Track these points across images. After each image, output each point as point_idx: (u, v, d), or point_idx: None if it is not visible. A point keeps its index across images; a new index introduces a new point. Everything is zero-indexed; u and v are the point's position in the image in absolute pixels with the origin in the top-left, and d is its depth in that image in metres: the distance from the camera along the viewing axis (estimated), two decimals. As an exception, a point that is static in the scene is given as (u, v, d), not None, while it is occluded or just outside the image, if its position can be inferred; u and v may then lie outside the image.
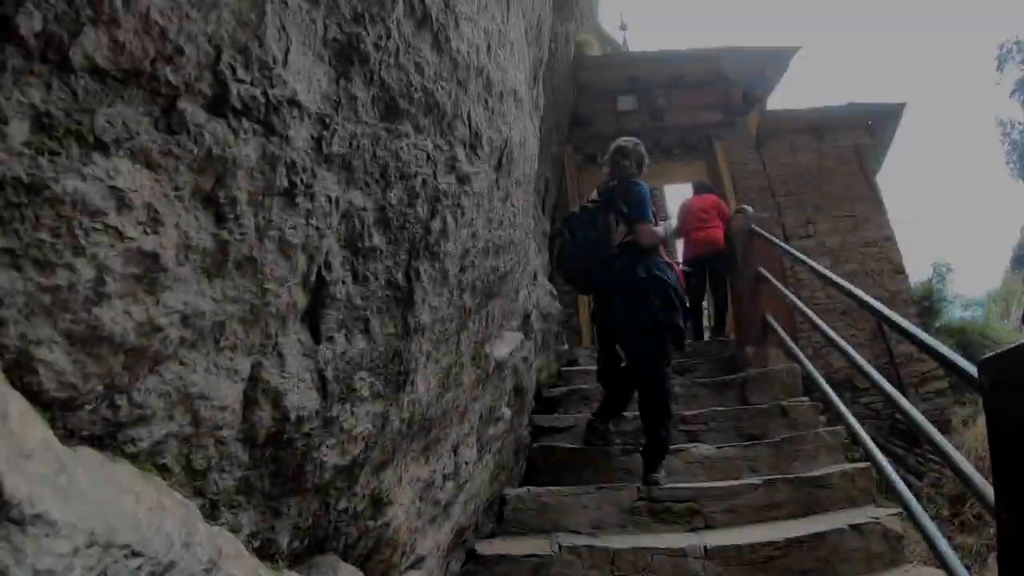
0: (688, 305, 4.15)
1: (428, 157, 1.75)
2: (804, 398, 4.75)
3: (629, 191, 3.90)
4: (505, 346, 3.09)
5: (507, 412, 3.34)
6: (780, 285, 4.96)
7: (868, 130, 9.16)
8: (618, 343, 4.02)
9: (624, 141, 4.25)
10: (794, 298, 4.71)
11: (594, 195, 4.25)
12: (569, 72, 8.18)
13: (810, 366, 4.28)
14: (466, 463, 2.66)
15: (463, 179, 2.01)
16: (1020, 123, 22.68)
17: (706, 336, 7.25)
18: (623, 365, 4.06)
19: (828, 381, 3.85)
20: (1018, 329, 12.03)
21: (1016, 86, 22.62)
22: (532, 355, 4.76)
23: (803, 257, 4.43)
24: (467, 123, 1.99)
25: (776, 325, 5.01)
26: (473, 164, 2.09)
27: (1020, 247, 27.80)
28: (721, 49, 8.49)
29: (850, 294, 3.32)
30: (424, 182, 1.75)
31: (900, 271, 8.59)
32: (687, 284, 7.07)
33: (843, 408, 3.52)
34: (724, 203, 7.04)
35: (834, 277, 3.77)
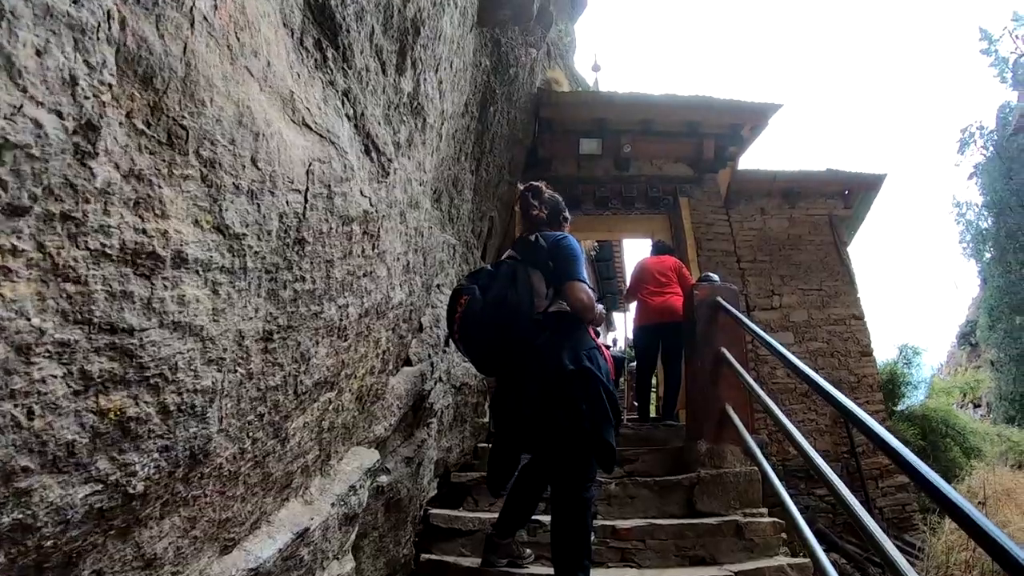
0: (618, 415, 2.91)
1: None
2: (763, 510, 3.90)
3: (557, 245, 2.87)
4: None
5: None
6: (745, 373, 4.09)
7: (844, 199, 8.42)
8: (524, 446, 2.97)
9: (536, 183, 3.29)
10: (758, 389, 3.77)
11: (509, 252, 3.15)
12: (530, 105, 7.31)
13: (772, 474, 3.31)
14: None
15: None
16: (975, 204, 22.92)
17: (652, 412, 6.34)
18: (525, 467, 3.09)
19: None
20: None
21: (975, 169, 22.87)
22: (432, 441, 3.80)
23: (772, 342, 3.50)
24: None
25: (736, 419, 4.13)
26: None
27: (966, 324, 28.09)
28: (696, 98, 7.67)
29: (820, 390, 2.44)
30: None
31: (867, 353, 7.79)
32: (638, 354, 6.23)
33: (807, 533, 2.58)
34: (686, 268, 6.13)
35: (807, 371, 2.79)
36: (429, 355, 3.71)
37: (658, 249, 6.44)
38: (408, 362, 3.38)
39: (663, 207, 8.07)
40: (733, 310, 4.38)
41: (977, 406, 20.61)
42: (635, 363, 6.39)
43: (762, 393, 3.65)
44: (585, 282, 2.80)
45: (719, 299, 4.58)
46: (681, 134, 8.06)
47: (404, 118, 2.08)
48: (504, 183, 7.25)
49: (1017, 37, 24.25)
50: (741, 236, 7.98)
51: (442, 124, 2.97)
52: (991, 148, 22.38)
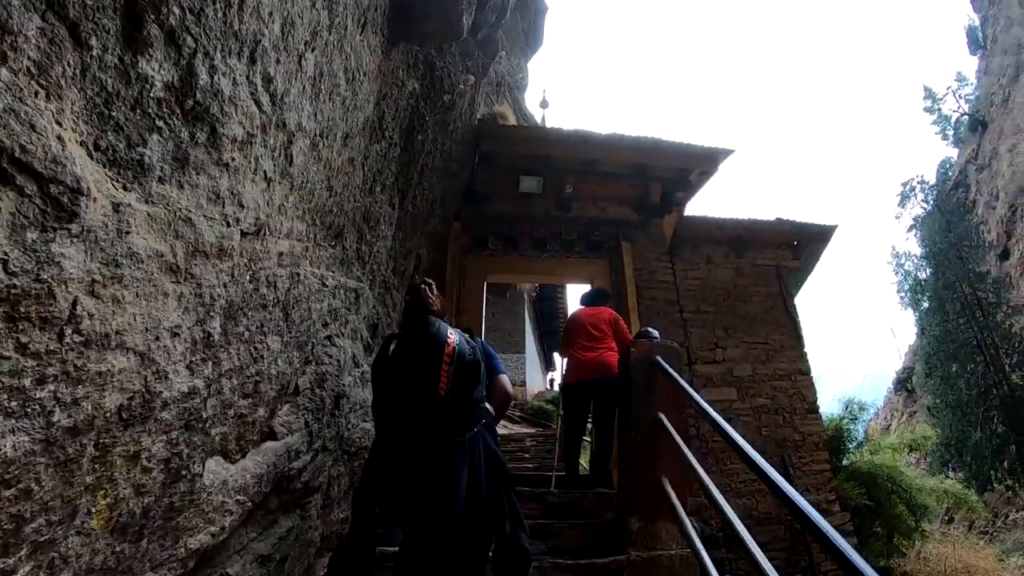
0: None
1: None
2: (700, 606, 3.28)
3: (473, 338, 2.80)
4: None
5: None
6: (684, 446, 3.53)
7: (793, 250, 8.02)
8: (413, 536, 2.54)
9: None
10: (697, 466, 3.18)
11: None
12: (469, 137, 6.75)
13: (709, 562, 2.70)
14: None
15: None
16: (914, 255, 23.36)
17: (582, 469, 5.74)
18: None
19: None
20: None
21: (915, 222, 23.33)
22: (314, 522, 3.13)
23: (711, 413, 2.90)
24: None
25: (673, 496, 3.56)
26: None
27: (903, 371, 28.54)
28: (645, 139, 7.19)
29: (756, 469, 2.01)
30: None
31: (813, 410, 7.33)
32: (567, 414, 5.60)
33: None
34: (622, 321, 5.59)
35: (745, 448, 2.20)
36: (307, 423, 3.04)
37: (592, 298, 5.91)
38: (273, 435, 2.71)
39: (604, 251, 7.55)
40: (673, 373, 3.83)
41: (913, 450, 20.65)
42: (563, 423, 5.76)
43: (701, 472, 3.07)
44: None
45: (658, 358, 4.04)
46: (627, 176, 7.58)
47: (158, 124, 1.42)
48: (436, 218, 6.64)
49: (960, 96, 25.02)
50: (685, 285, 7.49)
51: (301, 143, 2.31)
52: (931, 202, 22.83)
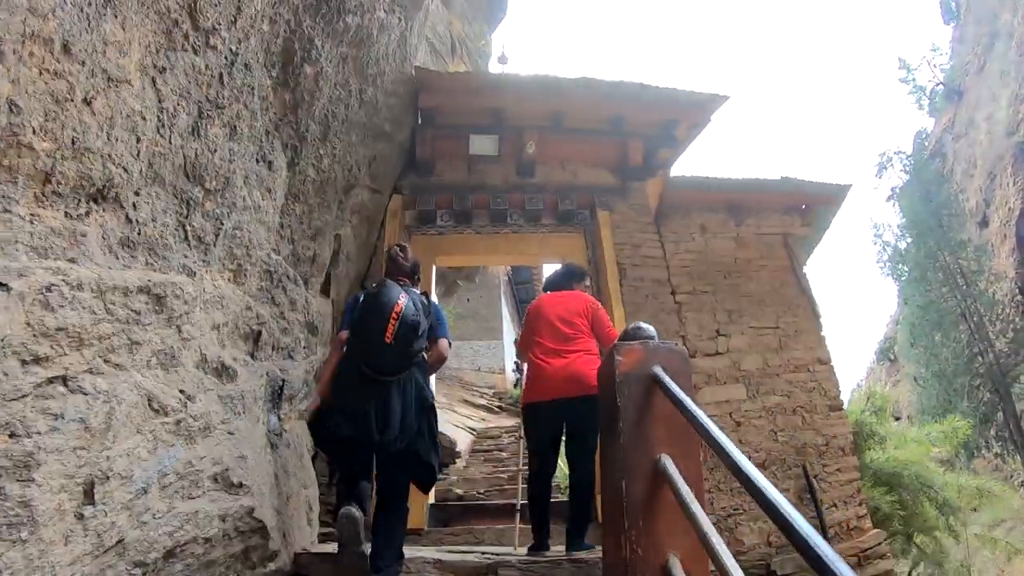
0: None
1: None
2: None
3: (429, 303, 3.29)
4: None
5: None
6: (700, 511, 1.88)
7: (802, 215, 6.36)
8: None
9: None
10: (720, 549, 1.55)
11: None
12: (404, 89, 5.05)
13: None
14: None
15: None
16: (893, 226, 22.16)
17: (553, 535, 3.94)
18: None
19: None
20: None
21: (892, 192, 22.12)
22: None
23: (748, 470, 1.32)
24: None
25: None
26: None
27: (884, 340, 27.61)
28: (622, 84, 5.49)
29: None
30: None
31: (836, 407, 5.73)
32: (530, 446, 3.98)
33: None
34: (603, 310, 3.86)
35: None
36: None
37: (560, 280, 4.05)
38: None
39: (578, 223, 5.88)
40: (682, 395, 2.18)
41: (897, 418, 19.64)
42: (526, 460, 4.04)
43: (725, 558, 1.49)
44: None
45: (658, 371, 2.39)
46: (601, 132, 5.90)
47: None
48: (363, 189, 4.94)
49: (935, 66, 23.76)
50: (677, 260, 5.82)
51: None
52: (909, 172, 21.54)
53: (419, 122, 5.62)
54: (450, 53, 8.52)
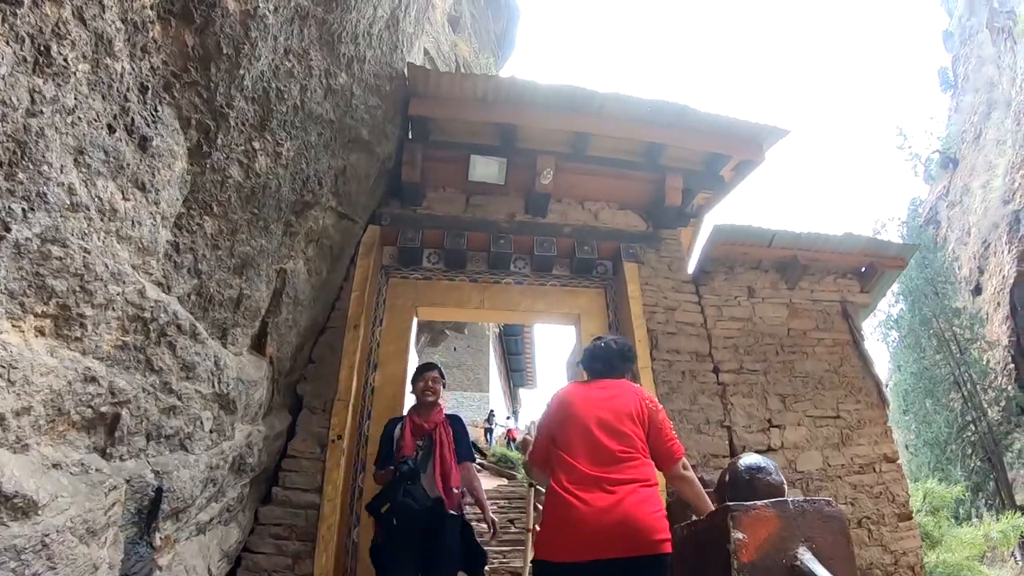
0: None
1: None
2: None
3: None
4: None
5: None
6: None
7: (860, 278, 5.04)
8: None
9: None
10: None
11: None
12: (389, 88, 3.74)
13: None
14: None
15: None
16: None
17: None
18: None
19: None
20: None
21: None
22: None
23: None
24: None
25: None
26: None
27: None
28: (660, 103, 4.25)
29: None
30: None
31: (906, 515, 4.36)
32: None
33: None
34: (663, 412, 2.33)
35: None
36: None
37: (607, 357, 2.50)
38: None
39: (598, 275, 4.57)
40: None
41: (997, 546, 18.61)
42: None
43: None
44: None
45: (806, 560, 1.02)
46: (632, 164, 4.62)
47: None
48: (324, 211, 3.56)
49: (931, 135, 23.45)
50: (720, 329, 4.48)
51: None
52: (904, 238, 20.68)
53: (408, 135, 4.32)
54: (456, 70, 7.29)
